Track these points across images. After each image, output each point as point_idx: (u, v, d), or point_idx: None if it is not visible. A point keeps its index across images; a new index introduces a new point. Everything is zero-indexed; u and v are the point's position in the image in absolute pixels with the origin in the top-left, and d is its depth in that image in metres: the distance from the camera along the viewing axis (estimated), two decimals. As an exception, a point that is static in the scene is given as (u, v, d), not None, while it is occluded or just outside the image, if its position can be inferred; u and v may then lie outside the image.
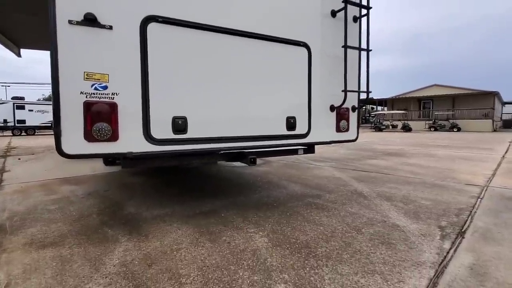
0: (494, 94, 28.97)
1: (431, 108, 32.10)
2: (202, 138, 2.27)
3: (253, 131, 2.50)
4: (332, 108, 2.93)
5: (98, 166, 5.41)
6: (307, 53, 2.73)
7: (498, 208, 3.01)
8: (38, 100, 51.95)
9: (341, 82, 2.87)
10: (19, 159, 7.40)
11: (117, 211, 2.98)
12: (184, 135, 2.18)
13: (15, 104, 23.56)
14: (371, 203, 3.22)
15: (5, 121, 23.08)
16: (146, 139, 2.05)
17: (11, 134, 23.22)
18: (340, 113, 2.97)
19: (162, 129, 2.10)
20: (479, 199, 3.34)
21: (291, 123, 2.69)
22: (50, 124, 21.86)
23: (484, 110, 27.91)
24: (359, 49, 2.95)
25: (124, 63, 1.93)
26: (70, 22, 1.74)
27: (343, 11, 2.77)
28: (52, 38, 1.71)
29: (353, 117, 3.10)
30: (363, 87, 3.08)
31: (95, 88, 1.85)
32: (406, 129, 25.45)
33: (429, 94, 32.14)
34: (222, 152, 2.46)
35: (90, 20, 1.78)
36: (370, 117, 28.02)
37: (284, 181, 4.44)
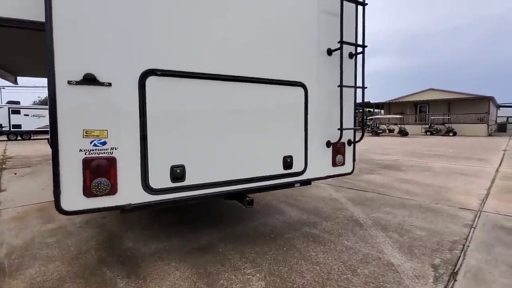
0: (489, 99, 29.30)
1: (427, 112, 32.38)
2: (200, 184, 2.29)
3: (251, 173, 2.53)
4: (328, 144, 2.97)
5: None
6: (303, 93, 2.77)
7: (490, 241, 3.07)
8: (34, 102, 51.61)
9: (337, 118, 2.92)
10: (15, 173, 7.36)
11: (115, 246, 2.99)
12: (182, 182, 2.21)
13: (10, 109, 23.34)
14: (367, 233, 3.27)
15: (0, 126, 22.86)
16: (145, 190, 2.07)
17: (7, 139, 23.02)
18: (337, 148, 3.01)
19: (160, 178, 2.12)
20: (472, 229, 3.40)
21: (287, 162, 2.73)
22: (46, 129, 21.70)
23: (479, 115, 28.21)
24: (355, 87, 3.00)
25: (123, 118, 1.96)
26: (69, 82, 1.76)
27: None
28: (51, 99, 1.73)
29: (349, 150, 3.14)
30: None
31: (94, 145, 1.87)
32: (403, 133, 25.60)
33: (425, 98, 32.42)
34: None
35: (89, 80, 1.80)
36: (367, 121, 28.15)
37: (281, 203, 4.47)
